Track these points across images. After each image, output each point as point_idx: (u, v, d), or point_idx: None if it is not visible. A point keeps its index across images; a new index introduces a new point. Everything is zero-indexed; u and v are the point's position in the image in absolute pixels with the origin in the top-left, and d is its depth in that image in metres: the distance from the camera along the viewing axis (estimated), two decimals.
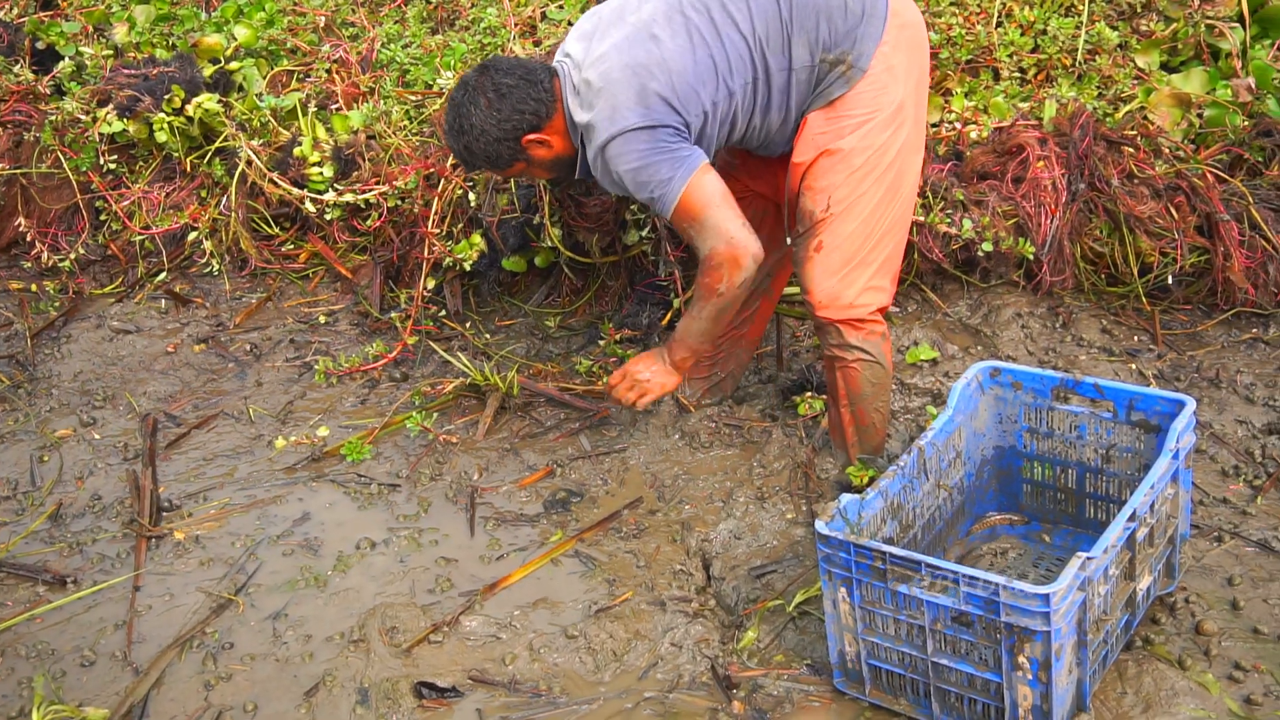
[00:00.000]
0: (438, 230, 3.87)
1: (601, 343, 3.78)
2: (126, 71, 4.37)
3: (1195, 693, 2.42)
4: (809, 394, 3.42)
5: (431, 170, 3.88)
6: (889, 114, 2.84)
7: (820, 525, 2.38)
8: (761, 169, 3.16)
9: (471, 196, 3.82)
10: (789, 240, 3.09)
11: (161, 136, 4.26)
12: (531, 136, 2.91)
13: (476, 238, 3.82)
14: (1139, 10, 3.98)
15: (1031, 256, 3.63)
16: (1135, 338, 3.65)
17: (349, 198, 3.98)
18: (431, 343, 3.88)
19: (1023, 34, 3.91)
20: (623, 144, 2.79)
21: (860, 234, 2.89)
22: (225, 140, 4.28)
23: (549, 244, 3.80)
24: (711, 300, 2.91)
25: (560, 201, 3.77)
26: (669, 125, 2.77)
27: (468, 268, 3.85)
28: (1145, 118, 3.73)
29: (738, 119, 2.89)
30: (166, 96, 4.24)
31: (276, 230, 4.36)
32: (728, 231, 2.81)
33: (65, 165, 4.42)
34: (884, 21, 2.81)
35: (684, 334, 3.03)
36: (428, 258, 3.89)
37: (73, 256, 4.44)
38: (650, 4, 2.84)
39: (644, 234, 3.75)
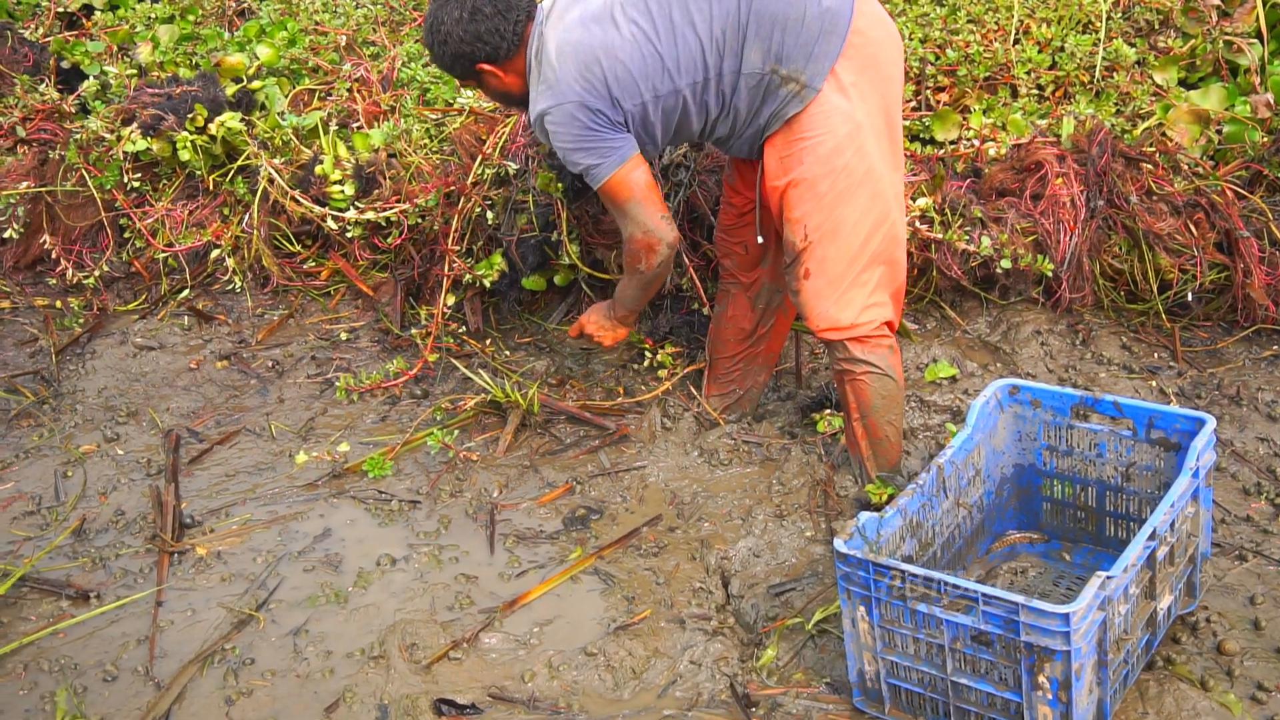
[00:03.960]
0: (458, 247, 3.89)
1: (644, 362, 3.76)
2: (150, 90, 4.42)
3: (1217, 713, 2.41)
4: (828, 411, 3.42)
5: (452, 188, 3.90)
6: (846, 135, 2.85)
7: (839, 543, 2.38)
8: (754, 177, 3.18)
9: (490, 215, 3.84)
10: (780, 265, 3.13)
11: (185, 155, 4.30)
12: (485, 66, 3.00)
13: (497, 258, 3.85)
14: (1157, 27, 3.98)
15: (1050, 273, 3.63)
16: (1155, 355, 3.64)
17: (370, 215, 4.00)
18: (453, 359, 3.90)
19: (1040, 51, 3.91)
20: (559, 116, 2.90)
21: (844, 257, 2.92)
22: (247, 159, 4.31)
23: (568, 261, 3.81)
24: (635, 275, 3.16)
25: (578, 218, 3.79)
26: (603, 111, 2.88)
27: (488, 285, 3.88)
28: (1164, 134, 3.73)
29: (690, 116, 2.95)
30: (190, 115, 4.28)
31: (298, 248, 4.39)
32: (645, 222, 3.00)
33: (90, 183, 4.46)
34: (843, 40, 2.82)
35: (620, 297, 3.30)
36: (448, 275, 3.91)
37: (97, 273, 4.47)
38: None
39: None
